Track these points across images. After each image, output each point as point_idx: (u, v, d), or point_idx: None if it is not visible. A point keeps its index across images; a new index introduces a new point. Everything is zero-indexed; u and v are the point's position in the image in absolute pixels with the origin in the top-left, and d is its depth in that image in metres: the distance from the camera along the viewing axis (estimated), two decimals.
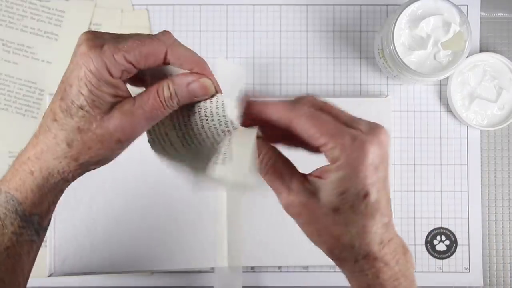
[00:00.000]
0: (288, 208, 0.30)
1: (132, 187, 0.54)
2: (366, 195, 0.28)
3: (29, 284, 0.56)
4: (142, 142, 0.55)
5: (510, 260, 0.56)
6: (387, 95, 0.56)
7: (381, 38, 0.52)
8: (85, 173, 0.55)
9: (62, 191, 0.35)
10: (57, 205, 0.53)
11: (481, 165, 0.57)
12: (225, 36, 0.57)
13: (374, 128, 0.30)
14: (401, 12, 0.49)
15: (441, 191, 0.56)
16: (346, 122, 0.30)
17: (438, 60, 0.50)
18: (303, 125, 0.29)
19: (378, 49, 0.53)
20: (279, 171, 0.31)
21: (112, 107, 0.30)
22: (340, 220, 0.29)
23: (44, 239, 0.55)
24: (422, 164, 0.57)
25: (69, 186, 0.54)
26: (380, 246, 0.30)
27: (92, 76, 0.29)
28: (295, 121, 0.30)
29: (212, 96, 0.33)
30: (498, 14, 0.57)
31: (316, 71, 0.57)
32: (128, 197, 0.54)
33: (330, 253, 0.31)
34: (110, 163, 0.53)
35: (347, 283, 0.56)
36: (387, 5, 0.57)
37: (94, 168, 0.34)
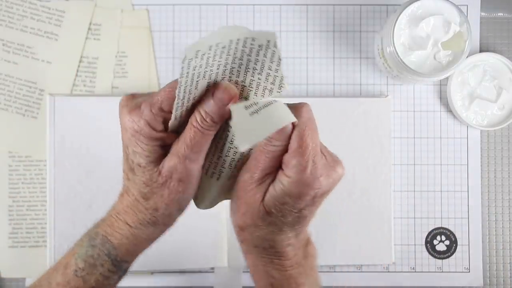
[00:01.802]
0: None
1: None
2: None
3: (28, 284, 0.56)
4: None
5: (510, 260, 0.56)
6: (387, 95, 0.56)
7: (381, 38, 0.52)
8: (85, 173, 0.55)
9: (155, 239, 0.36)
10: (57, 205, 0.54)
11: (481, 165, 0.57)
12: None
13: (335, 161, 0.34)
14: (401, 12, 0.49)
15: (441, 191, 0.56)
16: (321, 148, 0.34)
17: (438, 60, 0.50)
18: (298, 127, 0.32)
19: (378, 49, 0.53)
20: (274, 159, 0.32)
21: (165, 155, 0.32)
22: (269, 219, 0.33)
23: (44, 239, 0.55)
24: (422, 164, 0.57)
25: (69, 186, 0.54)
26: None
27: (139, 135, 0.31)
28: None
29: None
30: (498, 14, 0.58)
31: (316, 71, 0.57)
32: None
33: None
34: (110, 163, 0.54)
35: (347, 283, 0.57)
36: (387, 5, 0.57)
37: (179, 214, 0.35)
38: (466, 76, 0.55)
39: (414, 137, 0.57)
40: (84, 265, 0.34)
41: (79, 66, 0.56)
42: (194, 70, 0.29)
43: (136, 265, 0.54)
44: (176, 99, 0.30)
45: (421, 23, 0.49)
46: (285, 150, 0.31)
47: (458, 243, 0.56)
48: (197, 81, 0.30)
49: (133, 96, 0.33)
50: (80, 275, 0.34)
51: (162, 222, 0.34)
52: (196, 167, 0.32)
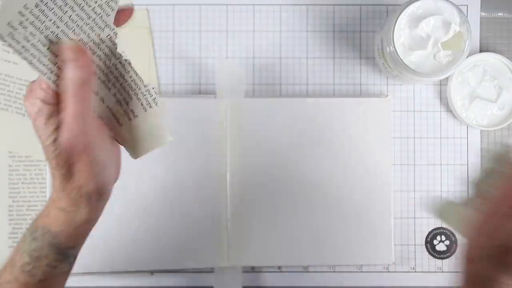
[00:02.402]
0: None
1: (131, 187, 0.54)
2: None
3: None
4: None
5: None
6: (387, 95, 0.56)
7: (381, 38, 0.52)
8: None
9: (94, 220, 0.36)
10: None
11: (481, 165, 0.57)
12: (225, 36, 0.57)
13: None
14: (401, 12, 0.49)
15: (441, 191, 0.56)
16: None
17: (438, 60, 0.50)
18: None
19: (378, 49, 0.53)
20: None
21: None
22: None
23: None
24: (422, 164, 0.57)
25: None
26: None
27: (38, 116, 0.32)
28: None
29: None
30: (498, 14, 0.57)
31: (316, 71, 0.57)
32: (128, 198, 0.53)
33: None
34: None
35: (347, 283, 0.57)
36: (387, 5, 0.57)
37: (114, 182, 0.36)
38: (466, 76, 0.55)
39: (414, 137, 0.57)
40: (30, 259, 0.34)
41: None
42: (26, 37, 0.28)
43: (136, 265, 0.54)
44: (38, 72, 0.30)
45: (421, 23, 0.49)
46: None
47: (458, 243, 0.56)
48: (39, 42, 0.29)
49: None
50: (27, 270, 0.34)
51: (92, 199, 0.34)
52: (92, 125, 0.33)
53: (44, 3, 0.29)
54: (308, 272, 0.56)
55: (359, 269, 0.56)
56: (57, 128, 0.32)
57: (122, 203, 0.53)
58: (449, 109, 0.57)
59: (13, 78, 0.56)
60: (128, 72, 0.35)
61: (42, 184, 0.55)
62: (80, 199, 0.34)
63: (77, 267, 0.53)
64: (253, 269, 0.55)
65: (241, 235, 0.53)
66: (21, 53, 0.28)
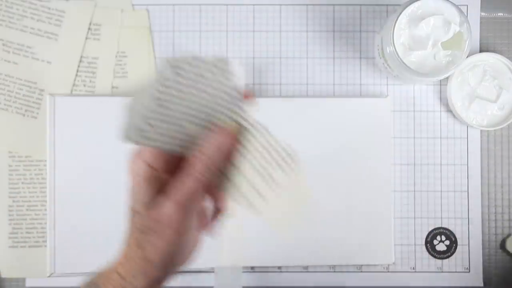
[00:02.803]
0: None
1: None
2: None
3: (29, 284, 0.56)
4: None
5: (510, 260, 0.56)
6: (387, 95, 0.56)
7: (381, 38, 0.52)
8: (85, 173, 0.55)
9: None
10: (57, 205, 0.54)
11: (481, 165, 0.57)
12: (225, 36, 0.57)
13: None
14: (401, 12, 0.49)
15: (441, 191, 0.56)
16: None
17: (438, 60, 0.50)
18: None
19: (378, 49, 0.53)
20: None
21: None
22: None
23: (44, 239, 0.55)
24: (422, 164, 0.57)
25: (69, 186, 0.54)
26: None
27: (138, 177, 0.31)
28: None
29: None
30: (498, 14, 0.57)
31: (316, 71, 0.57)
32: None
33: None
34: (110, 163, 0.54)
35: (347, 283, 0.57)
36: (387, 5, 0.57)
37: (174, 270, 0.33)
38: (466, 76, 0.55)
39: (414, 137, 0.57)
40: None
41: (79, 66, 0.56)
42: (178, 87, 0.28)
43: None
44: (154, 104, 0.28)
45: (421, 23, 0.49)
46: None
47: (458, 243, 0.56)
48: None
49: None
50: None
51: (154, 276, 0.31)
52: (194, 218, 0.31)
53: (164, 100, 0.28)
54: (308, 272, 0.56)
55: (359, 269, 0.56)
56: (154, 194, 0.30)
57: (123, 203, 0.53)
58: (449, 109, 0.57)
59: (13, 78, 0.56)
60: (268, 141, 0.32)
61: (42, 184, 0.55)
62: (143, 272, 0.31)
63: (77, 267, 0.53)
64: (253, 269, 0.55)
65: (241, 235, 0.53)
66: (151, 144, 0.28)
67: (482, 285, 0.56)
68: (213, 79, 0.30)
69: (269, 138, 0.32)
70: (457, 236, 0.56)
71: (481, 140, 0.57)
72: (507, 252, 0.56)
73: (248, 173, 0.32)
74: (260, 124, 0.32)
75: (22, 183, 0.55)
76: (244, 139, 0.31)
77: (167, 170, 0.31)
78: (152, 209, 0.30)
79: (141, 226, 0.31)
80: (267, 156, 0.32)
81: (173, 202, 0.30)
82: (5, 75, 0.56)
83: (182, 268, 0.33)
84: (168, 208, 0.30)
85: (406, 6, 0.49)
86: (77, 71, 0.56)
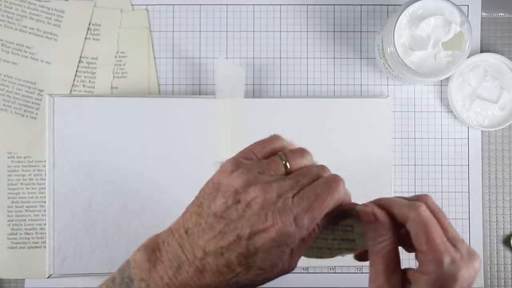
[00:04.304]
0: None
1: (131, 187, 0.53)
2: None
3: (28, 285, 0.56)
4: (144, 142, 0.55)
5: (510, 261, 0.56)
6: (388, 96, 0.56)
7: (382, 38, 0.51)
8: (84, 174, 0.55)
9: None
10: (56, 205, 0.53)
11: (482, 166, 0.57)
12: (225, 36, 0.57)
13: (472, 255, 0.32)
14: (401, 12, 0.49)
15: (441, 191, 0.56)
16: (450, 239, 0.32)
17: (439, 61, 0.50)
18: (415, 227, 0.31)
19: (379, 49, 0.53)
20: (389, 258, 0.33)
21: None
22: None
23: (43, 240, 0.55)
24: (422, 164, 0.56)
25: (68, 187, 0.54)
26: None
27: (284, 240, 0.31)
28: (409, 221, 0.32)
29: None
30: (499, 14, 0.57)
31: (316, 71, 0.57)
32: (128, 197, 0.53)
33: None
34: (110, 163, 0.54)
35: (347, 284, 0.56)
36: (387, 5, 0.57)
37: None
38: (467, 76, 0.55)
39: (414, 138, 0.57)
40: None
41: (78, 66, 0.56)
42: None
43: None
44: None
45: (422, 23, 0.49)
46: (394, 244, 0.32)
47: None
48: None
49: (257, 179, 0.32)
50: None
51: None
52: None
53: None
54: (308, 273, 0.55)
55: (359, 270, 0.55)
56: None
57: (122, 203, 0.53)
58: (449, 110, 0.56)
59: (13, 78, 0.56)
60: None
61: (41, 185, 0.55)
62: None
63: (77, 267, 0.53)
64: None
65: None
66: None
67: (483, 285, 0.55)
68: None
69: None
70: None
71: (482, 141, 0.57)
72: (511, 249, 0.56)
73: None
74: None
75: (21, 183, 0.55)
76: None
77: None
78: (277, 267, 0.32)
79: (253, 275, 0.32)
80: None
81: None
82: (4, 75, 0.56)
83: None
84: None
85: (407, 6, 0.49)
86: (77, 71, 0.56)
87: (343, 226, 0.35)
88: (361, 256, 0.36)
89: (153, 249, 0.32)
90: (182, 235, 0.32)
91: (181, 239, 0.32)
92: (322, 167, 0.34)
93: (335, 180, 0.32)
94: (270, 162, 0.33)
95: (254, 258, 0.30)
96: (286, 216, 0.30)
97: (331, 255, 0.36)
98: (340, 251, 0.36)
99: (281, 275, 0.33)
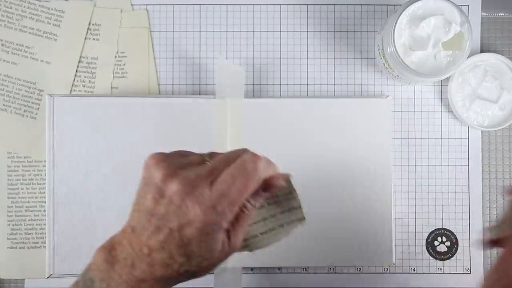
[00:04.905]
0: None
1: (131, 188, 0.53)
2: None
3: (28, 285, 0.56)
4: (144, 142, 0.55)
5: None
6: (388, 96, 0.56)
7: (382, 38, 0.51)
8: (84, 174, 0.55)
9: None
10: (56, 205, 0.53)
11: (482, 166, 0.57)
12: (225, 36, 0.57)
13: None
14: (401, 12, 0.49)
15: (441, 192, 0.56)
16: None
17: (439, 61, 0.50)
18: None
19: (379, 49, 0.53)
20: None
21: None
22: None
23: (43, 240, 0.55)
24: (422, 164, 0.56)
25: (68, 187, 0.54)
26: None
27: (211, 228, 0.33)
28: None
29: None
30: (499, 14, 0.57)
31: (316, 71, 0.57)
32: (128, 198, 0.53)
33: None
34: (109, 164, 0.54)
35: (347, 284, 0.56)
36: (387, 5, 0.57)
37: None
38: (467, 76, 0.55)
39: (414, 138, 0.57)
40: None
41: (78, 66, 0.56)
42: None
43: None
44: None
45: (422, 23, 0.49)
46: None
47: (459, 244, 0.56)
48: None
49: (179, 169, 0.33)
50: None
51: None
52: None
53: None
54: (308, 273, 0.55)
55: (360, 270, 0.55)
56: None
57: (122, 204, 0.53)
58: (449, 110, 0.56)
59: (12, 78, 0.56)
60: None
61: (41, 185, 0.55)
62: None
63: (76, 267, 0.53)
64: (253, 270, 0.55)
65: None
66: None
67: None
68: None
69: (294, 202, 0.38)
70: (458, 237, 0.56)
71: (482, 141, 0.57)
72: None
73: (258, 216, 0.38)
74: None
75: (21, 184, 0.55)
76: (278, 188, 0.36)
77: None
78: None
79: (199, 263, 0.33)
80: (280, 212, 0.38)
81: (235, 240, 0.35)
82: (4, 75, 0.56)
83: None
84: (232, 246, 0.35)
85: (407, 6, 0.49)
86: (77, 71, 0.56)
87: (284, 196, 0.36)
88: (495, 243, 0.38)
89: (109, 249, 0.34)
90: (130, 234, 0.33)
91: (130, 238, 0.33)
92: (243, 150, 0.35)
93: (251, 160, 0.33)
94: (188, 155, 0.35)
95: (190, 247, 0.32)
96: (205, 204, 0.31)
97: (286, 233, 0.37)
98: (292, 223, 0.37)
99: (226, 257, 0.35)
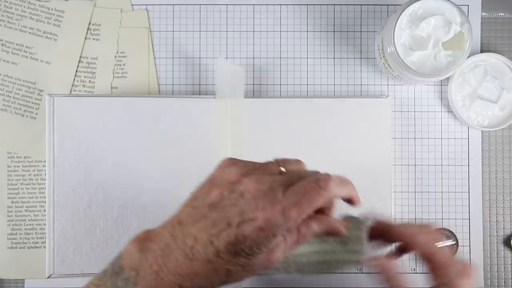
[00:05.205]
0: None
1: (131, 187, 0.53)
2: None
3: (28, 285, 0.56)
4: (143, 142, 0.55)
5: (510, 261, 0.56)
6: (388, 96, 0.56)
7: (382, 38, 0.51)
8: (84, 174, 0.55)
9: None
10: (56, 206, 0.53)
11: (482, 166, 0.57)
12: (225, 36, 0.57)
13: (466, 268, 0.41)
14: (401, 12, 0.49)
15: (441, 192, 0.56)
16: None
17: (439, 61, 0.50)
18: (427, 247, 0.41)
19: (379, 49, 0.53)
20: None
21: None
22: None
23: (43, 240, 0.55)
24: (422, 164, 0.56)
25: (68, 187, 0.54)
26: None
27: (274, 230, 0.33)
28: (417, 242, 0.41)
29: None
30: (499, 14, 0.57)
31: (316, 71, 0.57)
32: (128, 198, 0.53)
33: None
34: (110, 163, 0.54)
35: (347, 284, 0.56)
36: (387, 5, 0.57)
37: None
38: (467, 76, 0.55)
39: (414, 138, 0.57)
40: None
41: (78, 66, 0.56)
42: None
43: None
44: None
45: (422, 23, 0.49)
46: None
47: (459, 244, 0.56)
48: None
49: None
50: None
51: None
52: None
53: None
54: None
55: (359, 270, 0.55)
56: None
57: (121, 203, 0.53)
58: (450, 110, 0.56)
59: (12, 78, 0.56)
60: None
61: (41, 185, 0.55)
62: None
63: (76, 268, 0.53)
64: None
65: None
66: None
67: (483, 286, 0.55)
68: None
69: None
70: (458, 237, 0.56)
71: (482, 141, 0.57)
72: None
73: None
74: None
75: (21, 184, 0.55)
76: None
77: None
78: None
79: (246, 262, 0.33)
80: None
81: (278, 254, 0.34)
82: (4, 75, 0.56)
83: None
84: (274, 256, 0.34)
85: (407, 6, 0.49)
86: (77, 71, 0.56)
87: (354, 239, 0.39)
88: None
89: (144, 239, 0.34)
90: (175, 226, 0.33)
91: (173, 229, 0.33)
92: (315, 171, 0.36)
93: (324, 178, 0.34)
94: (265, 164, 0.36)
95: (241, 245, 0.32)
96: (276, 206, 0.32)
97: (336, 269, 0.39)
98: (347, 264, 0.39)
99: (261, 269, 0.34)
